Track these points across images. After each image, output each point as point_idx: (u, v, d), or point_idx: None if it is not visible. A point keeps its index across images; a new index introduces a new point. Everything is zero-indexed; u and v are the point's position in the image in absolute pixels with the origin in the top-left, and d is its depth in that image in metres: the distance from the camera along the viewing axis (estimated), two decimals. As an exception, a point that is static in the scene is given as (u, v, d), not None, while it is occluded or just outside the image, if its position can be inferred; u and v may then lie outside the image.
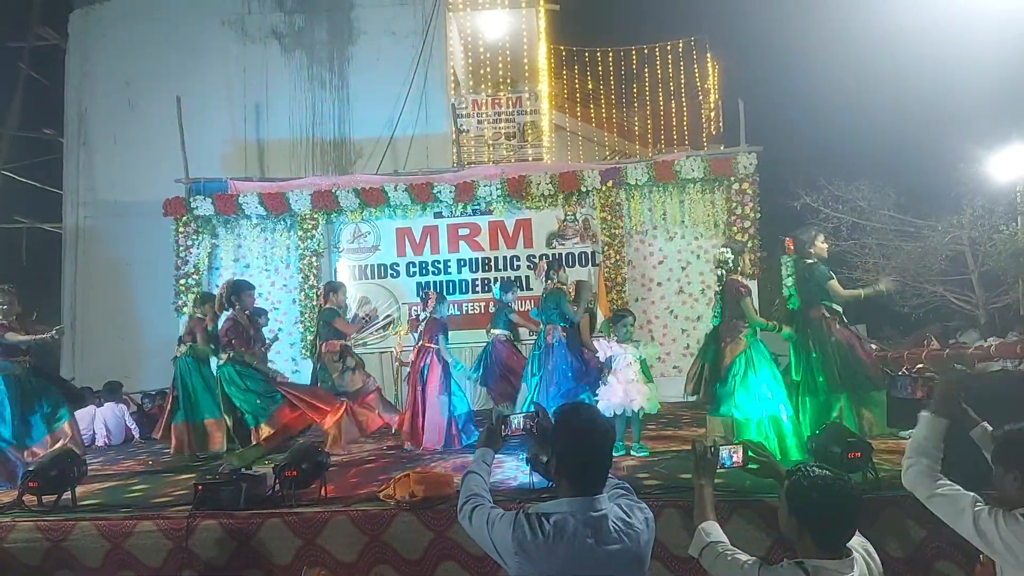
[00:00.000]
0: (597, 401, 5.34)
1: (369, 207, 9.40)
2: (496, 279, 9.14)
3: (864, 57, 16.11)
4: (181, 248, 9.39)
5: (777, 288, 5.73)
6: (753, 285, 6.43)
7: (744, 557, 2.16)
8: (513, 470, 4.79)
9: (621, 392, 5.32)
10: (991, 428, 2.52)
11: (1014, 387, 4.08)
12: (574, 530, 1.89)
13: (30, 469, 4.41)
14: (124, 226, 11.51)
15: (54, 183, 12.78)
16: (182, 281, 9.27)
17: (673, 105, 17.19)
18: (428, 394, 6.24)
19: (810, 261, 5.47)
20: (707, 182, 9.01)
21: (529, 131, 13.60)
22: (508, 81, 14.04)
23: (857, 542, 2.08)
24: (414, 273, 9.53)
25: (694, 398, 5.52)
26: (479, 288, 9.40)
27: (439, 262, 9.55)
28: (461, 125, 12.67)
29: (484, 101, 13.52)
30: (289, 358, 9.33)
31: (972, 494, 2.23)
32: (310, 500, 4.14)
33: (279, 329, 8.93)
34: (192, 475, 4.90)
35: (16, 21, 12.72)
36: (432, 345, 6.33)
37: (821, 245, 5.55)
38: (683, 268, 9.17)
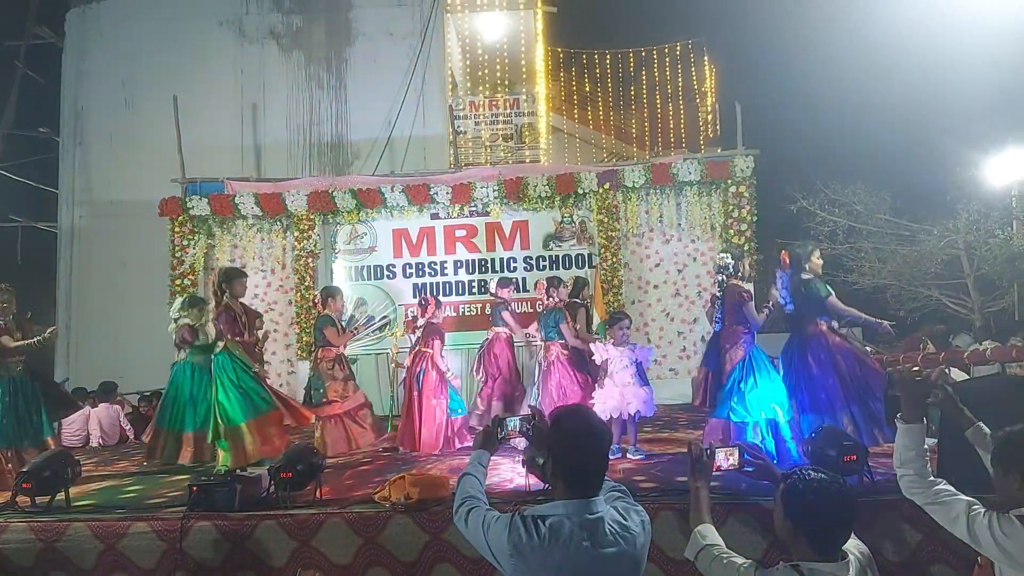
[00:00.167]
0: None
1: (366, 208, 9.39)
2: (492, 280, 9.13)
3: (861, 61, 16.19)
4: (177, 248, 9.36)
5: (772, 297, 5.70)
6: (750, 287, 6.41)
7: (740, 560, 2.15)
8: (509, 472, 4.79)
9: (617, 395, 5.33)
10: (987, 429, 2.53)
11: (1008, 390, 4.09)
12: (570, 533, 1.89)
13: (24, 470, 4.39)
14: (120, 226, 11.47)
15: (50, 182, 12.75)
16: (178, 282, 9.25)
17: (670, 108, 17.25)
18: (424, 399, 6.23)
19: (806, 277, 5.38)
20: (704, 185, 9.02)
21: (526, 133, 13.63)
22: (506, 83, 14.06)
23: (853, 545, 2.08)
24: (411, 274, 9.52)
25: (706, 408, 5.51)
26: (476, 290, 9.40)
27: (436, 263, 9.54)
28: (458, 126, 12.69)
29: (481, 103, 13.55)
30: (285, 359, 9.32)
31: (967, 499, 2.23)
32: (305, 502, 4.13)
33: (274, 330, 8.93)
34: (187, 476, 4.88)
35: (13, 20, 12.70)
36: (428, 350, 6.32)
37: (817, 261, 5.44)
38: (680, 271, 9.17)
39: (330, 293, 6.81)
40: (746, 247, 8.44)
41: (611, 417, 5.25)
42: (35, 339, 5.62)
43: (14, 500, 4.27)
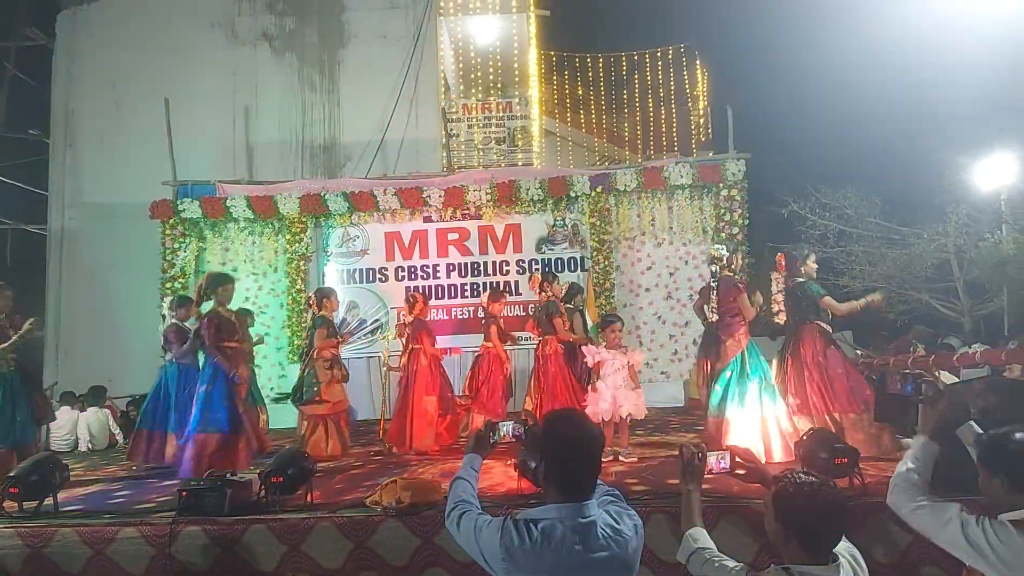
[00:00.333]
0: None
1: (358, 211, 9.36)
2: (486, 284, 9.14)
3: (851, 66, 16.30)
4: (167, 251, 9.30)
5: (766, 300, 5.71)
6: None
7: (731, 563, 2.15)
8: (501, 476, 4.78)
9: (609, 398, 5.33)
10: (977, 428, 2.53)
11: (999, 393, 4.10)
12: (562, 536, 1.88)
13: (11, 475, 4.35)
14: (110, 228, 11.40)
15: (39, 184, 12.66)
16: (168, 285, 9.18)
17: (662, 111, 17.30)
18: (415, 396, 6.25)
19: (801, 280, 5.41)
20: (696, 188, 9.05)
21: (519, 136, 13.61)
22: (499, 86, 14.06)
23: (843, 548, 2.08)
24: (403, 277, 9.49)
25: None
26: (468, 293, 9.39)
27: (428, 267, 9.53)
28: (451, 129, 12.67)
29: (474, 106, 13.53)
30: (276, 362, 9.27)
31: (957, 504, 2.22)
32: (295, 506, 4.11)
33: (266, 333, 8.89)
34: (176, 481, 4.85)
35: (2, 21, 12.62)
36: (419, 347, 6.37)
37: (812, 265, 5.49)
38: (671, 274, 9.19)
39: (325, 294, 6.81)
40: (734, 242, 8.48)
41: (603, 420, 5.26)
42: (16, 336, 5.58)
43: (0, 505, 4.23)
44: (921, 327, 10.41)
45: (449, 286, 9.48)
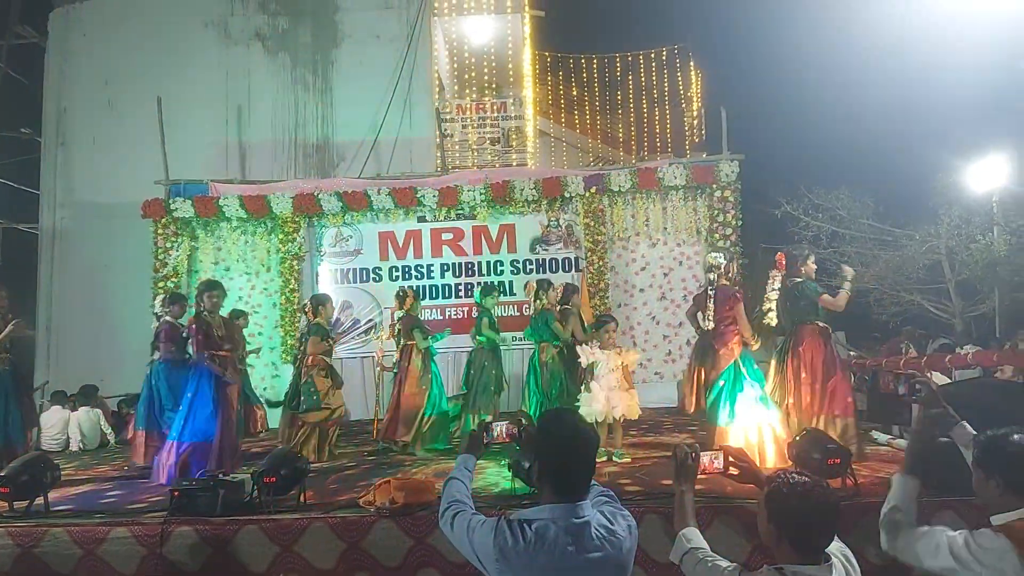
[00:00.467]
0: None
1: (352, 211, 9.35)
2: (479, 284, 9.13)
3: (845, 68, 16.36)
4: (160, 251, 9.26)
5: (758, 300, 5.72)
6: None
7: (724, 563, 2.15)
8: (495, 476, 4.77)
9: (603, 398, 5.33)
10: (971, 429, 2.54)
11: (991, 395, 4.13)
12: (555, 537, 1.88)
13: (1, 475, 4.32)
14: (102, 228, 11.34)
15: (31, 183, 12.58)
16: (160, 284, 9.13)
17: (656, 112, 17.36)
18: (406, 387, 6.32)
19: (799, 280, 5.39)
20: (689, 189, 9.08)
21: (513, 136, 13.63)
22: (493, 86, 14.07)
23: (836, 548, 2.08)
24: (397, 277, 9.47)
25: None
26: (462, 293, 9.38)
27: (422, 267, 9.51)
28: (445, 129, 12.67)
29: (469, 106, 13.54)
30: (269, 362, 9.24)
31: (941, 528, 2.26)
32: (288, 506, 4.09)
33: (259, 333, 8.85)
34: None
35: (-6, 19, 12.54)
36: (411, 342, 6.40)
37: (812, 266, 5.47)
38: (665, 274, 9.21)
39: (320, 301, 6.76)
40: (733, 251, 8.50)
41: (596, 420, 5.26)
42: (8, 330, 5.55)
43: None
44: (908, 328, 10.47)
45: (443, 286, 9.46)
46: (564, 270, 9.30)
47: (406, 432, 6.29)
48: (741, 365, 5.13)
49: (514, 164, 13.05)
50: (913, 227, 13.67)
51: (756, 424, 4.98)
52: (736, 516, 3.65)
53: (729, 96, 13.18)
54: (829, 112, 16.82)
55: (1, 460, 5.10)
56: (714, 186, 8.93)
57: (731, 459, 2.50)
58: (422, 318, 6.77)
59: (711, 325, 5.29)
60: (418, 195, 9.21)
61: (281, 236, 9.35)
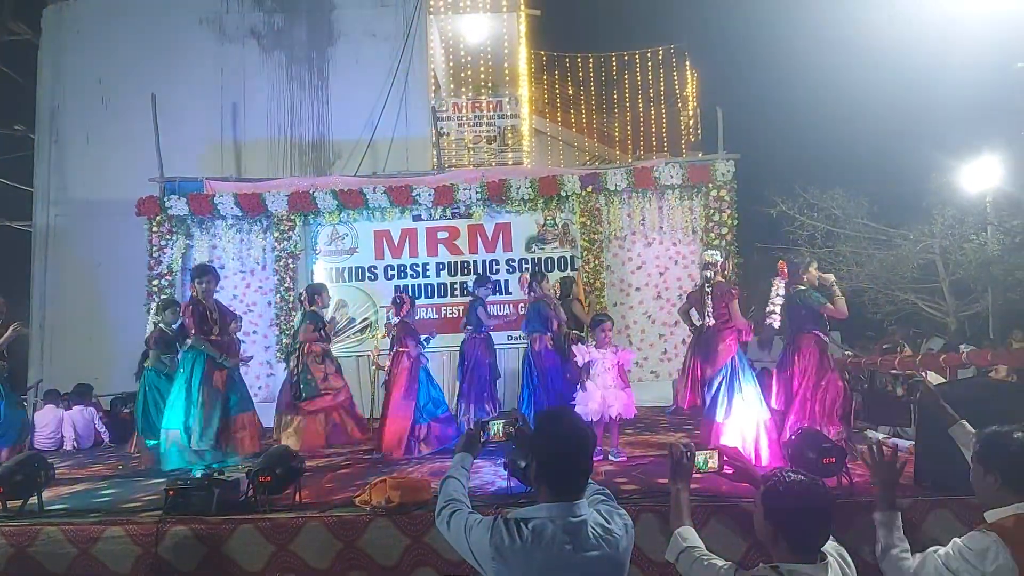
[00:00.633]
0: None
1: (347, 209, 9.33)
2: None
3: (841, 68, 16.41)
4: (154, 248, 9.24)
5: (753, 299, 5.72)
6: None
7: (720, 562, 2.16)
8: (491, 475, 4.77)
9: (599, 397, 5.34)
10: (970, 427, 2.56)
11: (986, 394, 4.14)
12: (552, 536, 1.88)
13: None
14: (96, 225, 11.28)
15: (24, 180, 12.52)
16: (155, 282, 9.12)
17: (652, 112, 17.37)
18: (393, 398, 6.20)
19: (802, 287, 5.34)
20: (685, 189, 9.09)
21: (509, 135, 13.64)
22: (489, 85, 14.07)
23: (831, 547, 2.09)
24: (392, 276, 9.46)
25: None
26: (457, 292, 9.37)
27: (417, 265, 9.50)
28: (441, 128, 12.66)
29: (465, 104, 13.52)
30: (264, 361, 9.22)
31: (931, 548, 2.31)
32: (284, 505, 4.08)
33: (253, 331, 8.82)
34: (163, 479, 4.81)
35: (-13, 16, 12.46)
36: (404, 349, 6.31)
37: (814, 273, 5.45)
38: (661, 274, 9.22)
39: (316, 290, 6.83)
40: (729, 250, 8.52)
41: (592, 420, 5.26)
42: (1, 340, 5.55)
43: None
44: (893, 327, 10.50)
45: (438, 285, 9.46)
46: (560, 269, 9.29)
47: (388, 443, 6.14)
48: (737, 362, 5.14)
49: (510, 163, 13.06)
50: (907, 227, 13.75)
51: (752, 422, 4.99)
52: (731, 515, 3.65)
53: (725, 96, 13.20)
54: (825, 112, 16.90)
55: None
56: (710, 185, 8.94)
57: (727, 458, 2.51)
58: (417, 318, 6.74)
59: (711, 321, 5.29)
60: (414, 193, 9.19)
61: (276, 234, 9.33)
